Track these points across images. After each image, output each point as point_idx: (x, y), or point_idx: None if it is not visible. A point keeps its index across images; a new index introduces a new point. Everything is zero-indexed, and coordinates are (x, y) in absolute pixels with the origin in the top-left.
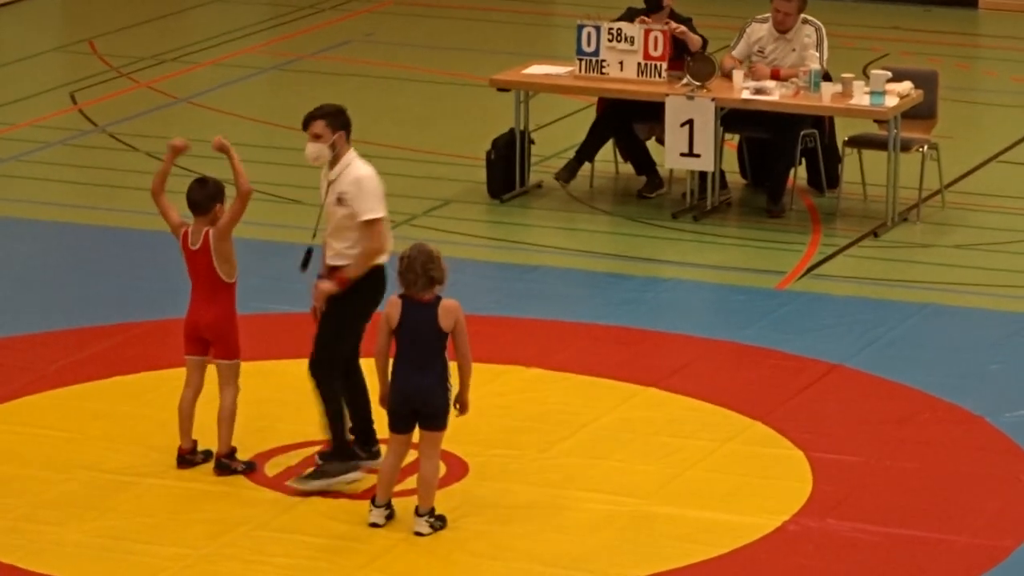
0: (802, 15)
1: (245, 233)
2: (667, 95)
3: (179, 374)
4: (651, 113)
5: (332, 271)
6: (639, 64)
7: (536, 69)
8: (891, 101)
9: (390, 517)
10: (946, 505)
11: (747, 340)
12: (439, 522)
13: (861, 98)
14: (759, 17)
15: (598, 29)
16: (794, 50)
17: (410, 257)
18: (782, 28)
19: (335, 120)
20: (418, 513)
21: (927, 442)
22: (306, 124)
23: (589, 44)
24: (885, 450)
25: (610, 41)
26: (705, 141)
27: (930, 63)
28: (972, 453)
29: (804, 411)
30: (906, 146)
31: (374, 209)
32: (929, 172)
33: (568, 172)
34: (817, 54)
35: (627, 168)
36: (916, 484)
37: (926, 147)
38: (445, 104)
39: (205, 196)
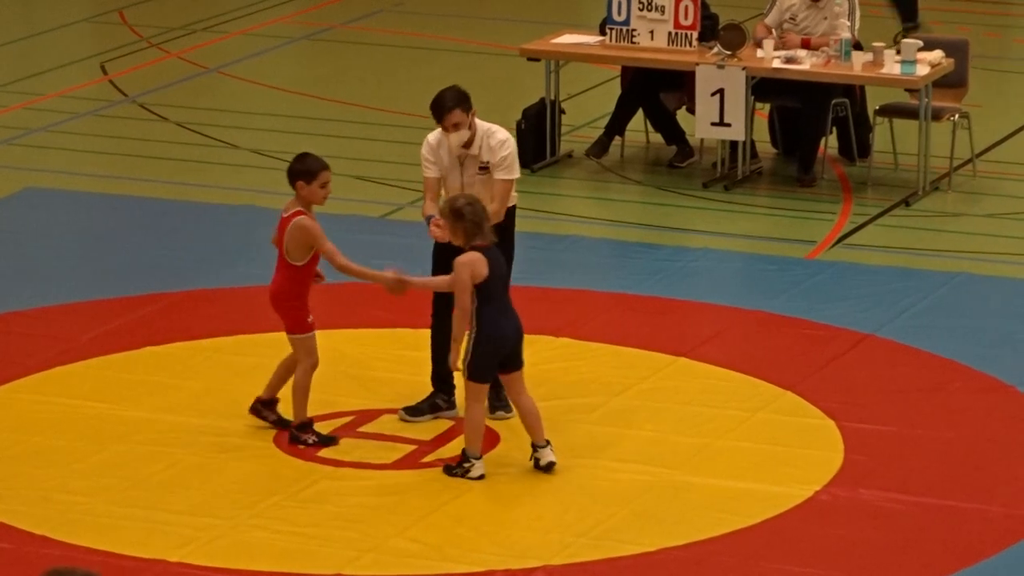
0: None
1: (272, 202)
2: (697, 64)
3: (211, 344)
4: (678, 82)
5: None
6: (670, 33)
7: (566, 39)
8: (922, 70)
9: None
10: (978, 474)
11: (777, 310)
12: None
13: (892, 67)
14: None
15: None
16: (825, 19)
17: (472, 207)
18: None
19: (466, 102)
20: (544, 445)
21: (959, 411)
22: (440, 115)
23: (619, 13)
24: (916, 419)
25: (640, 10)
26: (736, 110)
27: (960, 31)
28: (1004, 422)
29: (835, 380)
30: (937, 115)
31: (516, 170)
32: (960, 141)
33: (599, 148)
34: (848, 23)
35: (657, 138)
36: (948, 453)
37: (957, 116)
38: (475, 74)
39: (289, 170)
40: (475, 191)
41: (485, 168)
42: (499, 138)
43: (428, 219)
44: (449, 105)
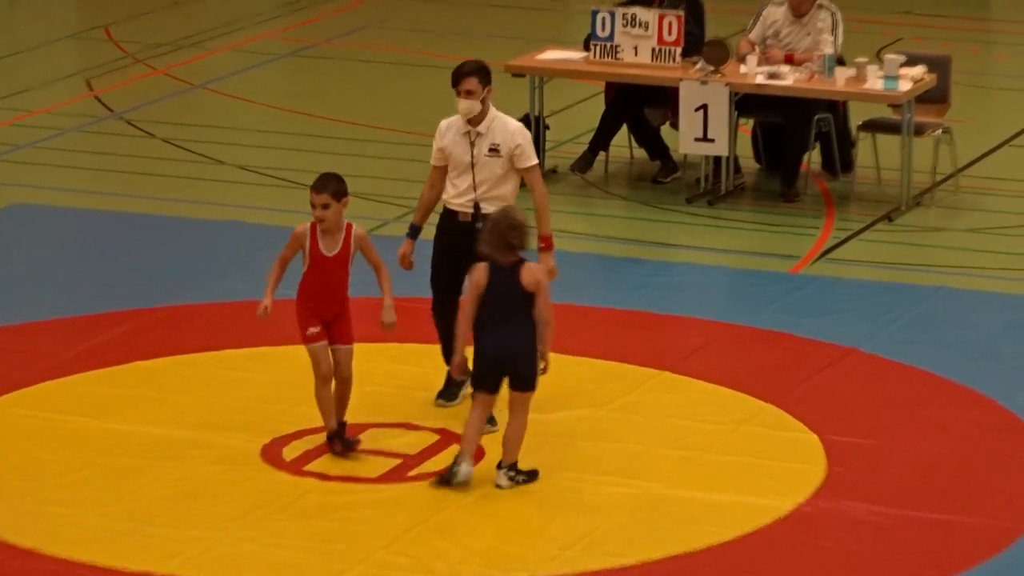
0: (818, 0)
1: (259, 218)
2: (681, 80)
3: (196, 359)
4: (662, 98)
5: (477, 216)
6: (653, 49)
7: (550, 55)
8: (905, 85)
9: (516, 475)
10: (960, 487)
11: (761, 324)
12: (521, 475)
13: (875, 82)
14: (776, 0)
15: (612, 14)
16: (809, 34)
17: (494, 221)
18: (798, 12)
19: (485, 76)
20: (499, 466)
21: (941, 425)
22: (457, 80)
23: (603, 29)
24: (899, 433)
25: (624, 26)
26: (719, 126)
27: (943, 47)
28: (986, 435)
29: (818, 394)
30: (920, 130)
31: (535, 156)
32: (943, 156)
33: (583, 163)
34: (832, 39)
35: (642, 153)
36: (930, 466)
37: (939, 131)
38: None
39: None
40: (484, 170)
41: (495, 150)
42: (514, 125)
43: (410, 231)
44: (467, 70)
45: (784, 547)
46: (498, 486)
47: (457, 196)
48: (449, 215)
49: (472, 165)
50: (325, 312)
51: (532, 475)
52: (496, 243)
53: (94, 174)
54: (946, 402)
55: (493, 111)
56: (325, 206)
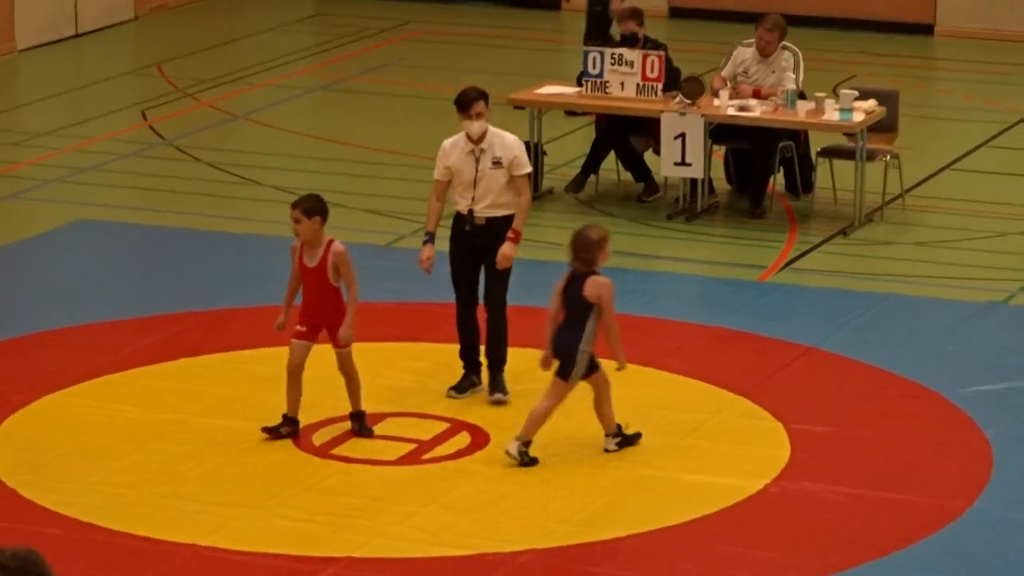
0: (782, 42)
1: (289, 232)
2: (662, 111)
3: (237, 356)
4: (645, 127)
5: (490, 221)
6: (638, 84)
7: (548, 89)
8: (858, 117)
9: (524, 453)
10: (907, 469)
11: (732, 325)
12: (526, 454)
13: (832, 114)
14: (745, 42)
15: (602, 54)
16: (774, 72)
17: (575, 235)
18: (764, 53)
19: (487, 98)
20: (516, 438)
21: (890, 415)
22: (468, 105)
23: (594, 67)
24: (853, 421)
25: (612, 64)
26: (695, 152)
27: (892, 83)
28: (930, 424)
29: (782, 387)
30: (871, 156)
31: (529, 164)
32: (891, 179)
33: (576, 185)
34: (794, 76)
35: (627, 176)
36: (880, 452)
37: (889, 157)
38: None
39: None
40: (487, 181)
41: (498, 163)
42: (511, 139)
43: (427, 238)
44: (474, 95)
45: (754, 521)
46: (507, 452)
47: (467, 205)
48: (460, 220)
49: (477, 178)
50: (318, 317)
51: (533, 461)
52: (573, 254)
53: (147, 194)
54: (895, 395)
55: (492, 129)
56: (296, 220)
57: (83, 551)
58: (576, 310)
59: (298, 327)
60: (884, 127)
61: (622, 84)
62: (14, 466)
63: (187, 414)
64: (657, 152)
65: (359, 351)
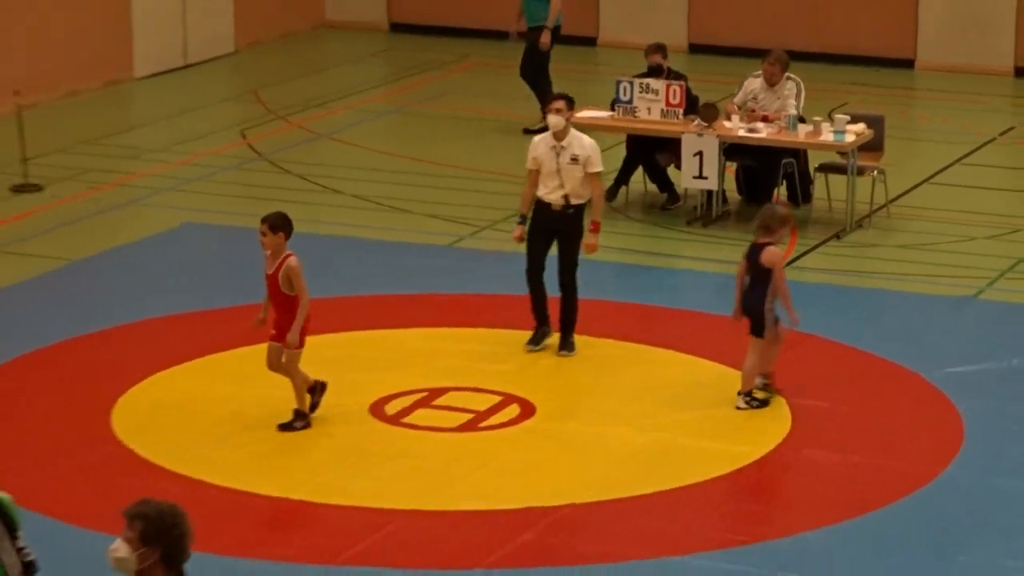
0: (786, 73)
1: (368, 234)
2: (683, 133)
3: (314, 340)
4: (669, 146)
5: (566, 207)
6: (662, 110)
7: (585, 113)
8: (850, 138)
9: (751, 399)
10: (890, 439)
11: None
12: (755, 401)
13: (827, 136)
14: (754, 73)
15: (632, 83)
16: (779, 99)
17: (765, 209)
18: (770, 82)
19: (570, 101)
20: (739, 393)
21: (878, 393)
22: (550, 101)
23: (625, 94)
24: (846, 398)
25: (641, 92)
26: (711, 167)
27: (879, 109)
28: (911, 400)
29: (785, 368)
30: (861, 171)
31: (601, 164)
32: (878, 191)
33: (609, 195)
34: (796, 103)
35: (653, 188)
36: (868, 424)
37: (876, 172)
38: (516, 140)
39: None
40: (564, 173)
41: (575, 160)
42: (588, 141)
43: (520, 219)
44: (558, 96)
45: (758, 484)
46: (738, 407)
47: (548, 193)
48: (542, 206)
49: (558, 171)
50: (277, 319)
51: (764, 403)
52: (759, 224)
53: (245, 201)
54: (882, 376)
55: (573, 131)
56: (263, 234)
57: (197, 503)
58: (758, 274)
59: (272, 330)
60: (872, 147)
61: (648, 109)
62: (135, 430)
63: (276, 388)
64: (678, 167)
65: (426, 336)
